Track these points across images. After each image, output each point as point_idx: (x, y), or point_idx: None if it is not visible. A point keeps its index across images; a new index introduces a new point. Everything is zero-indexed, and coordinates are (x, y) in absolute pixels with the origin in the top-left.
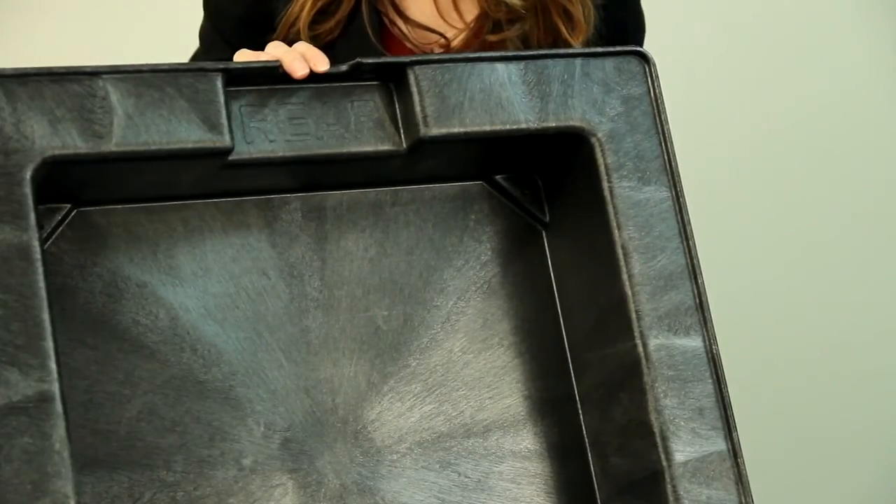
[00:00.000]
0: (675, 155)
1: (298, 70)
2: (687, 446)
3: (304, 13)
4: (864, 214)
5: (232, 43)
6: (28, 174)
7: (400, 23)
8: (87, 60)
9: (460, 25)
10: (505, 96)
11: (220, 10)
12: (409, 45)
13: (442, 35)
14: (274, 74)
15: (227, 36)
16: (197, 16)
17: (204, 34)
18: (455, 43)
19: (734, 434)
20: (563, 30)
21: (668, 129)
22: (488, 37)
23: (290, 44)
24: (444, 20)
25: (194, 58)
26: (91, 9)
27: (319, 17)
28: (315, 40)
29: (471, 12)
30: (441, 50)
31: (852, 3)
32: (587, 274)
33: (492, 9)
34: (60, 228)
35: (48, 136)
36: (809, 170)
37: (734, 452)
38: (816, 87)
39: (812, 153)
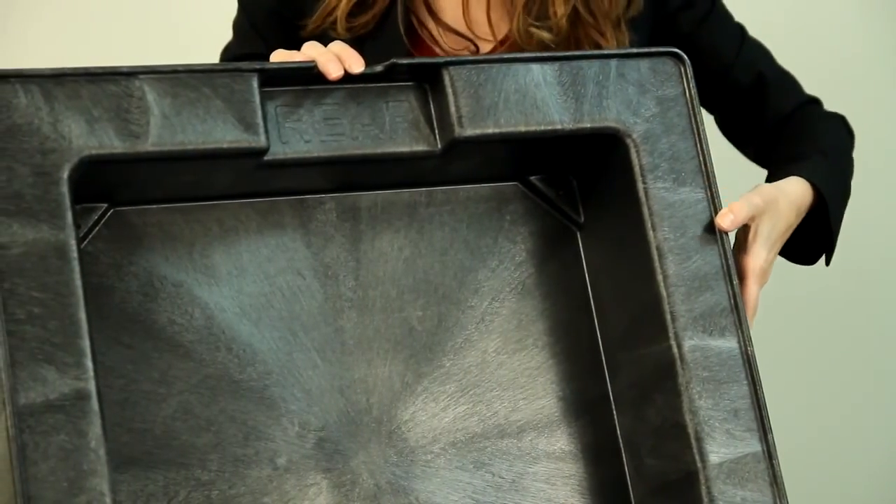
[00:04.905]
0: (710, 156)
1: (333, 71)
2: (721, 447)
3: (343, 4)
4: None
5: (265, 36)
6: (65, 174)
7: (431, 25)
8: (116, 61)
9: (490, 38)
10: (540, 97)
11: (254, 2)
12: (437, 49)
13: (472, 41)
14: (309, 75)
15: (261, 28)
16: (219, 17)
17: (237, 26)
18: (484, 52)
19: (769, 435)
20: None
21: (704, 130)
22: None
23: (325, 37)
24: (474, 33)
25: (226, 50)
26: (120, 9)
27: (356, 10)
28: (349, 33)
29: (501, 28)
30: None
31: (862, 4)
32: (622, 275)
33: (522, 40)
34: (97, 228)
35: (85, 135)
36: None
37: (769, 454)
38: (839, 89)
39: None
